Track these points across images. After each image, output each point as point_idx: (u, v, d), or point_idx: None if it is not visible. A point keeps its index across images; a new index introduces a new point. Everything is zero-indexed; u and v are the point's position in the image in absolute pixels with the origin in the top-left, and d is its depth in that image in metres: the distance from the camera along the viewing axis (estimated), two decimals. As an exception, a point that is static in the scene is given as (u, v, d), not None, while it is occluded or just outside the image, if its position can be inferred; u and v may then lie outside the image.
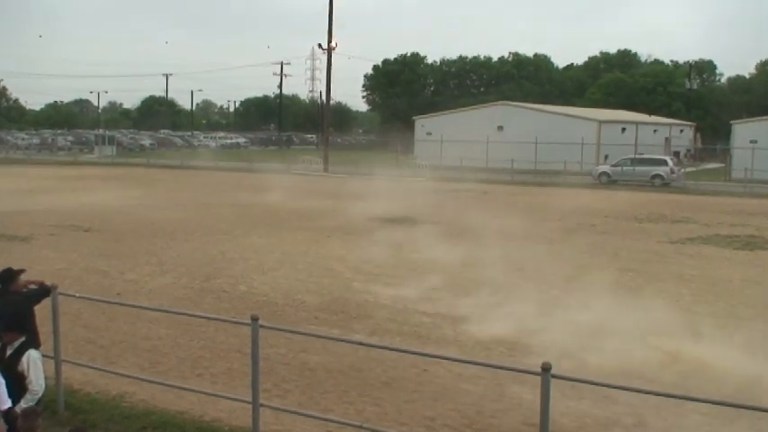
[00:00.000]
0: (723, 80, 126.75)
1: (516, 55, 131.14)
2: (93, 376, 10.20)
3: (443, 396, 10.00)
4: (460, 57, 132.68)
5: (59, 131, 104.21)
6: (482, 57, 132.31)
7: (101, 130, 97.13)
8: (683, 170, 54.71)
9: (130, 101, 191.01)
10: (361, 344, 11.11)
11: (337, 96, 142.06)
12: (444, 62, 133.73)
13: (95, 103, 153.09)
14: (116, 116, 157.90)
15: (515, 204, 31.98)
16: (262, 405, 8.28)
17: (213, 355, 11.59)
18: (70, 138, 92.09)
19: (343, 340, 11.41)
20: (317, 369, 11.00)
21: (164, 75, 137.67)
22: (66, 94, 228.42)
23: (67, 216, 27.21)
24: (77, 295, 11.00)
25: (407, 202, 32.82)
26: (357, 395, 9.99)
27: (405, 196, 38.34)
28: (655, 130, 77.71)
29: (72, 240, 22.38)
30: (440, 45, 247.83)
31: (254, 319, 8.08)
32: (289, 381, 10.46)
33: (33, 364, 7.72)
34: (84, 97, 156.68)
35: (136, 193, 37.33)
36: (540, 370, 6.73)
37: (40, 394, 7.74)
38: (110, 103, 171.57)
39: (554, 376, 6.72)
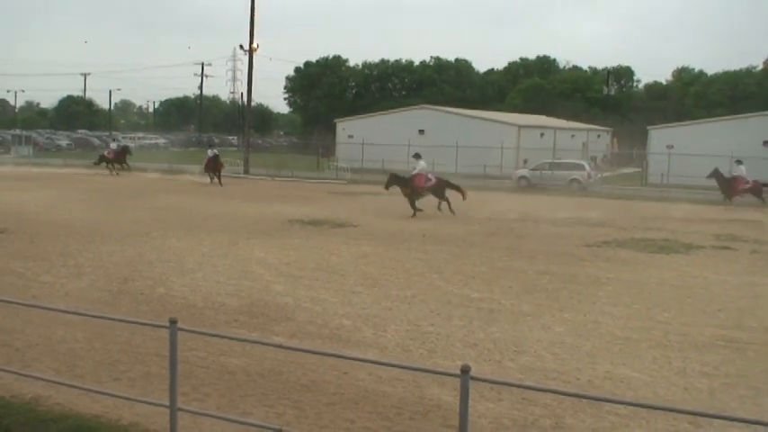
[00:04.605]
0: (640, 86, 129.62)
1: (438, 59, 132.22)
2: (8, 380, 9.96)
3: (363, 399, 10.01)
4: (382, 60, 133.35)
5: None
6: (404, 61, 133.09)
7: (17, 130, 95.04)
8: (600, 175, 55.71)
9: (48, 100, 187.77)
10: (280, 346, 11.05)
11: (259, 98, 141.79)
12: (366, 65, 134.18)
13: (12, 103, 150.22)
14: (33, 116, 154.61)
15: (436, 207, 32.12)
16: (180, 409, 8.17)
17: (131, 359, 11.41)
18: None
19: (262, 343, 11.34)
20: (236, 372, 10.91)
21: (82, 74, 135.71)
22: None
23: (-20, 217, 26.55)
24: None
25: (328, 205, 32.80)
26: (277, 398, 9.93)
27: (325, 199, 38.37)
28: (572, 135, 79.05)
29: (-15, 242, 21.85)
30: (362, 48, 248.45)
31: (173, 321, 7.97)
32: (208, 384, 10.35)
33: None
34: (0, 97, 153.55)
35: (52, 194, 36.61)
36: (459, 372, 6.76)
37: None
38: (27, 102, 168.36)
39: (473, 378, 6.76)
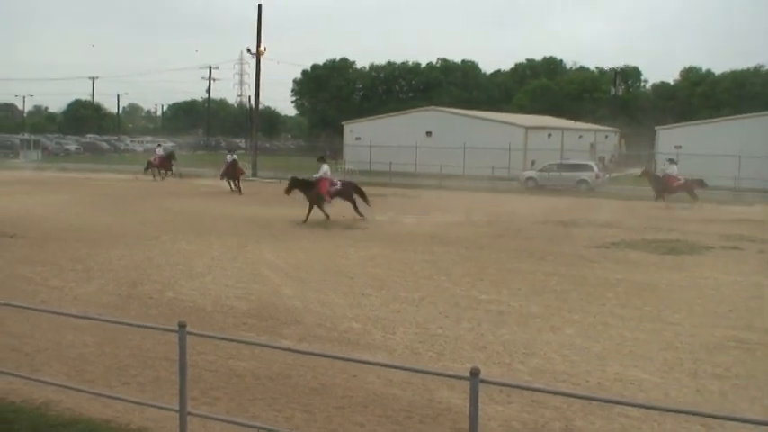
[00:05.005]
0: (648, 87, 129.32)
1: (444, 61, 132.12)
2: (17, 384, 9.97)
3: (373, 402, 10.00)
4: (389, 62, 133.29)
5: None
6: (410, 63, 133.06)
7: (26, 135, 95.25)
8: (608, 175, 55.59)
9: (56, 105, 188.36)
10: (290, 350, 11.04)
11: (266, 101, 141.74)
12: (373, 68, 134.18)
13: (21, 107, 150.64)
14: (42, 120, 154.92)
15: (444, 209, 32.14)
16: (189, 413, 8.18)
17: (140, 363, 11.42)
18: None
19: (271, 346, 11.33)
20: (245, 376, 10.91)
21: (90, 78, 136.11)
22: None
23: (-10, 222, 26.62)
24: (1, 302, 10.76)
25: (336, 207, 32.79)
26: (286, 402, 9.93)
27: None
28: (580, 136, 78.90)
29: (-6, 246, 21.90)
30: (368, 51, 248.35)
31: (182, 325, 7.97)
32: (217, 388, 10.35)
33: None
34: (9, 101, 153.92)
35: (61, 199, 36.69)
36: (468, 375, 6.74)
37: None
38: (35, 107, 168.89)
39: (482, 381, 6.74)
